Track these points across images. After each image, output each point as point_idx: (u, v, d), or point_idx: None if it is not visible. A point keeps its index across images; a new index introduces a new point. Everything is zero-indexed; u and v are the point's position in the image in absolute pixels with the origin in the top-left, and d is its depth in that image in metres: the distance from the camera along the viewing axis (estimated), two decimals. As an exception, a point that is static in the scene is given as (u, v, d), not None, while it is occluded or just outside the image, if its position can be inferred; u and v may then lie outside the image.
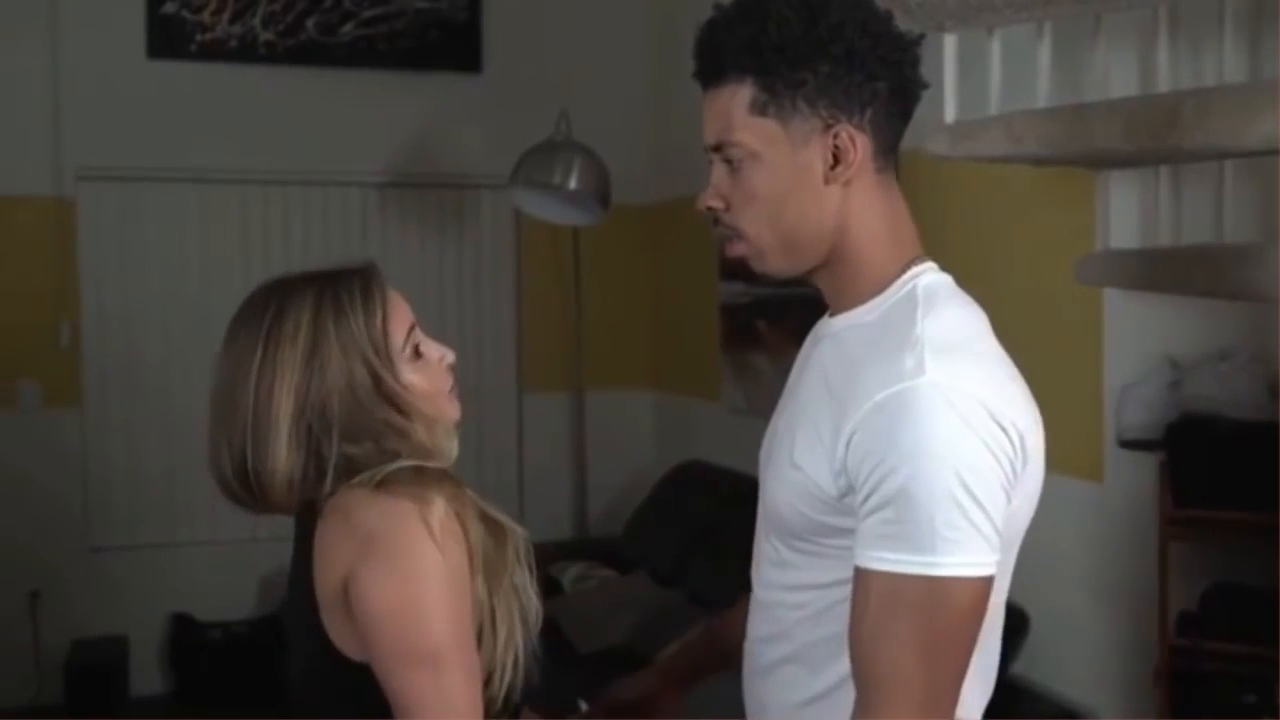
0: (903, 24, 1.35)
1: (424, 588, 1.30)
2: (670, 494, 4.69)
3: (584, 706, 1.73)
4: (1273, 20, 2.46)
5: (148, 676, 4.66)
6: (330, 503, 1.37)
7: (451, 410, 1.47)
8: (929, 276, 1.34)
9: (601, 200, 4.47)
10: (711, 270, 4.69)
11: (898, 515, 1.20)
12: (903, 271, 1.34)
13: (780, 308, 4.25)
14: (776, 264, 1.36)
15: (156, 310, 4.72)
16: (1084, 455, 2.83)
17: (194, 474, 4.76)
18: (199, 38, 4.71)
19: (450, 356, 1.48)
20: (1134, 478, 2.72)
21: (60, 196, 4.59)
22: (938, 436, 1.19)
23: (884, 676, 1.22)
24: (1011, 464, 1.23)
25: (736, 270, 4.44)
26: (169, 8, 4.67)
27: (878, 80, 1.29)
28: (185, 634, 4.66)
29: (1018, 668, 2.87)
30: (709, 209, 1.37)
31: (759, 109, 1.30)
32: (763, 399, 4.38)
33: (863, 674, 1.24)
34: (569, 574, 4.33)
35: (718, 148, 1.34)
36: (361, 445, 1.37)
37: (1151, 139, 2.13)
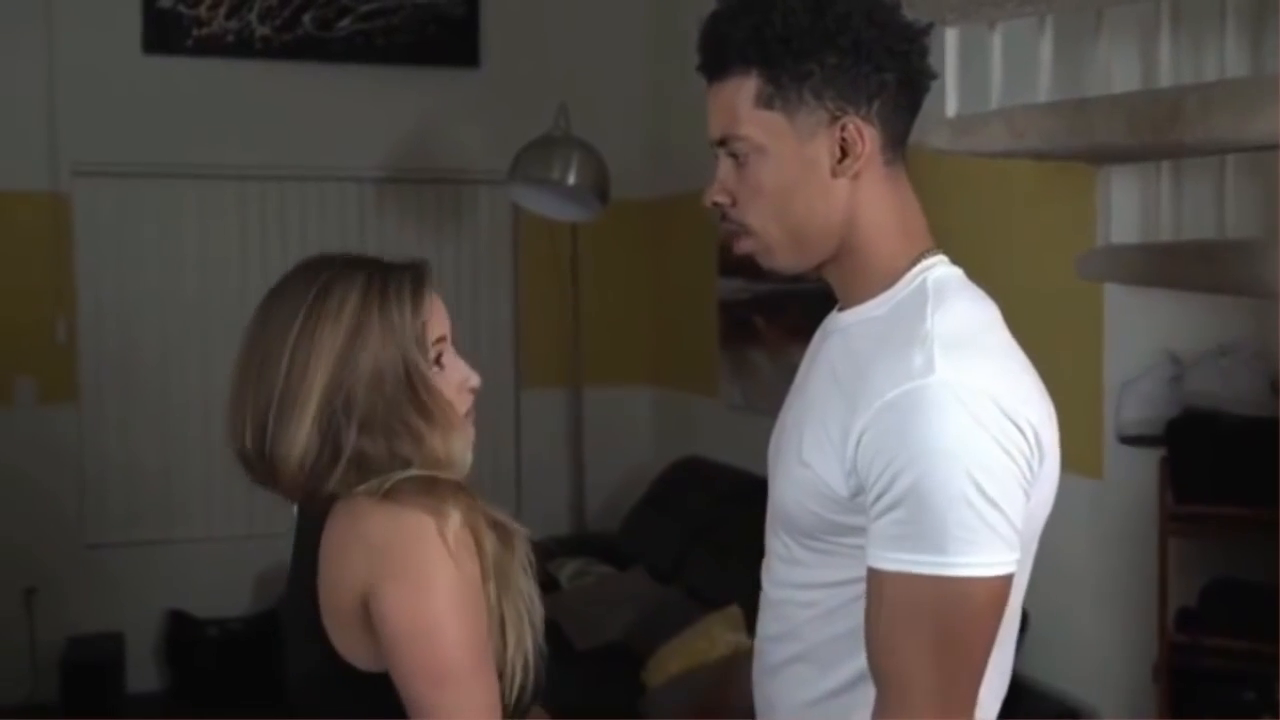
0: (907, 14, 1.33)
1: (445, 605, 1.28)
2: (668, 490, 4.69)
3: None
4: (1274, 15, 2.45)
5: (144, 673, 4.65)
6: (339, 506, 1.35)
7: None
8: (940, 270, 1.33)
9: (600, 196, 4.46)
10: (710, 266, 4.68)
11: (910, 515, 1.18)
12: (913, 265, 1.33)
13: (779, 304, 4.24)
14: (784, 260, 1.35)
15: (153, 306, 4.71)
16: (1084, 451, 2.82)
17: (190, 471, 4.85)
18: (195, 33, 4.70)
19: (474, 380, 1.45)
20: (1134, 474, 2.71)
21: (56, 192, 4.58)
22: (948, 435, 1.17)
23: (900, 678, 1.21)
24: (1028, 460, 1.22)
25: (735, 266, 4.46)
26: (165, 2, 4.65)
27: (885, 71, 1.28)
28: (181, 631, 4.66)
29: (1016, 664, 2.86)
30: (715, 204, 1.35)
31: (765, 102, 1.28)
32: (761, 395, 4.38)
33: (880, 676, 1.23)
34: (566, 570, 4.32)
35: (723, 142, 1.32)
36: (375, 442, 1.35)
37: (1154, 134, 2.13)
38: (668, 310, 5.25)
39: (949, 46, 2.62)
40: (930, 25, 1.34)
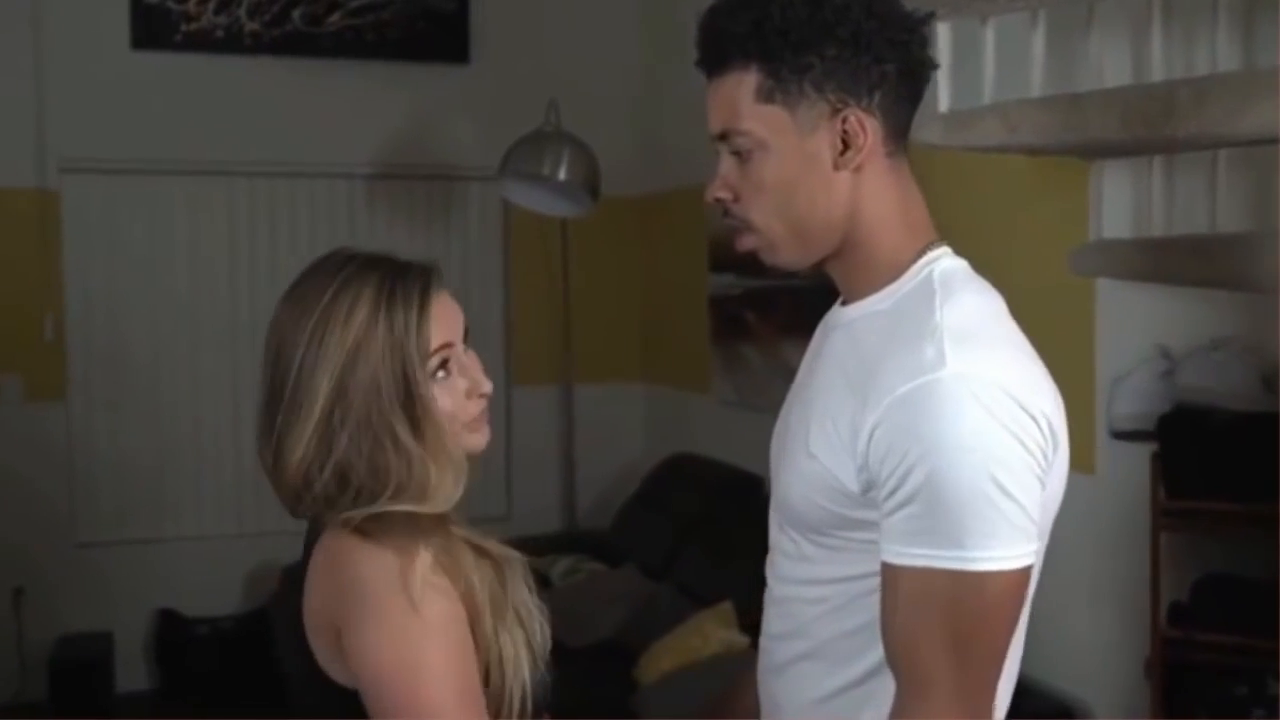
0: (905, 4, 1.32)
1: (403, 648, 1.26)
2: (660, 487, 4.68)
3: None
4: (1265, 8, 2.45)
5: (133, 673, 4.64)
6: (325, 535, 1.34)
7: (468, 440, 1.40)
8: (945, 262, 1.32)
9: (591, 191, 4.45)
10: (701, 262, 4.67)
11: (925, 510, 1.18)
12: (917, 257, 1.32)
13: (770, 299, 4.24)
14: (788, 256, 1.34)
15: (142, 303, 4.69)
16: (1076, 446, 2.77)
17: (180, 469, 4.83)
18: (184, 28, 4.68)
19: (486, 386, 1.42)
20: (1126, 469, 2.71)
21: (43, 188, 4.56)
22: (962, 429, 1.17)
23: (920, 674, 1.20)
24: (1042, 450, 1.21)
25: (726, 262, 4.45)
26: (153, -2, 4.64)
27: (886, 62, 1.27)
28: (171, 630, 4.64)
29: (1009, 660, 2.86)
30: (717, 200, 1.34)
31: (765, 96, 1.27)
32: (753, 391, 4.37)
33: (899, 672, 1.22)
34: (558, 568, 4.32)
35: (723, 137, 1.31)
36: (360, 453, 1.33)
37: (1147, 128, 2.13)
38: (659, 306, 5.24)
39: (942, 41, 2.61)
40: (930, 15, 1.33)
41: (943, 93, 2.63)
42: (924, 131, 2.57)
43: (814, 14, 1.25)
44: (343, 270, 1.37)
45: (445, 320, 1.39)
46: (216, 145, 4.68)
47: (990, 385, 1.18)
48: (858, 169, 1.29)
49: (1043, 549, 1.30)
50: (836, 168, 1.29)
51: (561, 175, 4.37)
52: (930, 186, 1.37)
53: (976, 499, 1.16)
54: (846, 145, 1.28)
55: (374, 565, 1.28)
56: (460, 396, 1.39)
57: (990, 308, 1.30)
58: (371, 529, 1.30)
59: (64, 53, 4.54)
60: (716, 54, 1.31)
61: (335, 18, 4.83)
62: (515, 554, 1.41)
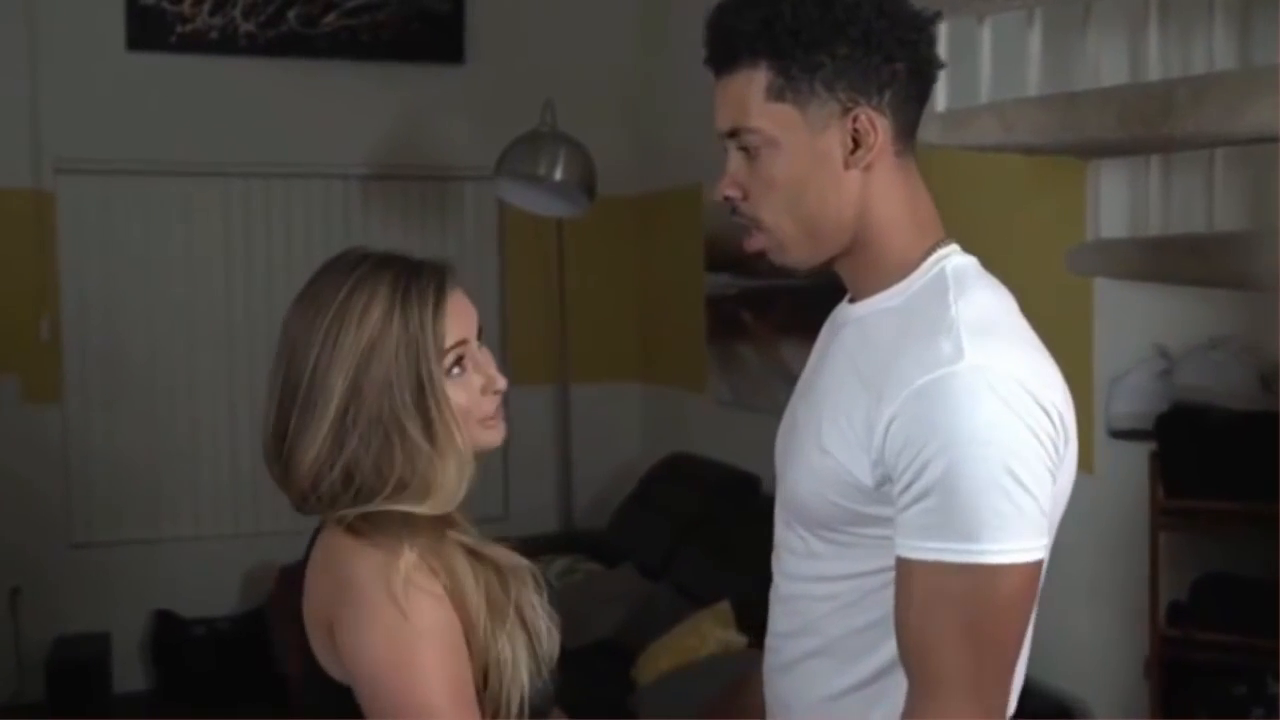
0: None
1: (401, 648, 1.27)
2: (657, 486, 4.68)
3: None
4: (1262, 6, 2.45)
5: (130, 673, 4.63)
6: (324, 531, 1.36)
7: (484, 437, 1.41)
8: (956, 259, 1.32)
9: (586, 191, 4.44)
10: (697, 262, 4.67)
11: (941, 503, 1.18)
12: (927, 255, 1.32)
13: (766, 299, 4.23)
14: (798, 254, 1.34)
15: (138, 304, 4.68)
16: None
17: (177, 470, 4.82)
18: (179, 29, 4.67)
19: (501, 383, 1.43)
20: (1125, 468, 2.71)
21: (39, 189, 4.55)
22: (980, 422, 1.17)
23: (934, 669, 1.20)
24: (1054, 443, 1.21)
25: (722, 262, 4.45)
26: (148, -1, 4.63)
27: (896, 61, 1.27)
28: (168, 630, 4.63)
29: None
30: (726, 198, 1.34)
31: (775, 94, 1.27)
32: (749, 390, 4.37)
33: (912, 668, 1.22)
34: (555, 568, 4.31)
35: (733, 134, 1.31)
36: (368, 451, 1.33)
37: (1145, 127, 2.12)
38: (655, 306, 5.24)
39: (939, 40, 2.61)
40: (938, 14, 1.33)
41: (940, 92, 2.62)
42: (920, 130, 2.56)
43: (825, 13, 1.25)
44: (356, 270, 1.38)
45: (460, 317, 1.40)
46: (212, 146, 4.67)
47: (1006, 378, 1.19)
48: (868, 168, 1.29)
49: (1050, 545, 1.30)
50: (847, 166, 1.29)
51: (557, 175, 4.37)
52: (927, 186, 1.38)
53: (992, 492, 1.16)
54: (857, 144, 1.28)
55: (364, 564, 1.29)
56: (475, 393, 1.40)
57: (1003, 304, 1.31)
58: (363, 528, 1.31)
59: (59, 53, 4.53)
60: (726, 52, 1.31)
61: (330, 18, 4.82)
62: (524, 562, 1.42)
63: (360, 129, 4.85)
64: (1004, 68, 2.60)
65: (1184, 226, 2.63)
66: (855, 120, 1.27)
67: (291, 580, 1.43)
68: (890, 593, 1.25)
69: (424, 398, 1.35)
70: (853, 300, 1.38)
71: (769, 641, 1.46)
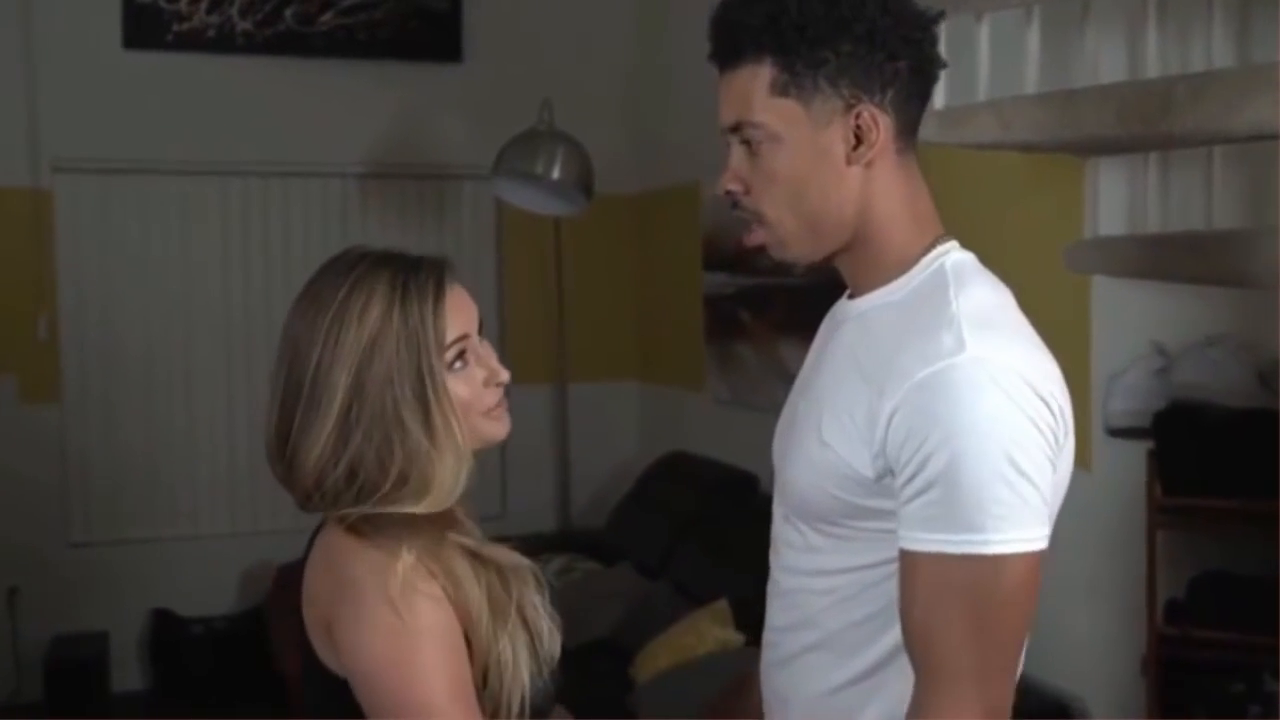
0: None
1: (399, 647, 1.27)
2: (654, 485, 4.68)
3: None
4: (1261, 4, 2.45)
5: (128, 672, 4.63)
6: (324, 530, 1.38)
7: (488, 429, 1.42)
8: (956, 254, 1.33)
9: (584, 190, 4.44)
10: (695, 261, 4.67)
11: (944, 495, 1.19)
12: (926, 251, 1.33)
13: (764, 298, 4.23)
14: (798, 250, 1.34)
15: (136, 303, 4.68)
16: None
17: (174, 469, 4.82)
18: (176, 28, 4.67)
19: (503, 375, 1.43)
20: (1122, 466, 2.71)
21: (36, 188, 4.55)
22: (982, 413, 1.18)
23: (939, 661, 1.20)
24: (1054, 432, 1.22)
25: (720, 261, 4.45)
26: (145, -3, 4.62)
27: (899, 59, 1.28)
28: (166, 629, 4.63)
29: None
30: (728, 193, 1.35)
31: (779, 89, 1.28)
32: (747, 389, 4.37)
33: (918, 660, 1.23)
34: (552, 567, 4.30)
35: (736, 129, 1.32)
36: (371, 447, 1.34)
37: (1143, 124, 2.12)
38: (653, 305, 5.23)
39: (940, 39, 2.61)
40: (941, 13, 1.34)
41: (938, 89, 2.62)
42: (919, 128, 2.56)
43: (830, 10, 1.26)
44: (355, 268, 1.39)
45: (460, 312, 1.41)
46: (209, 145, 4.67)
47: (1007, 370, 1.20)
48: (869, 165, 1.30)
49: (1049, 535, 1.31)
50: (849, 163, 1.30)
51: (555, 174, 4.36)
52: (925, 183, 1.38)
53: (995, 482, 1.17)
54: (859, 141, 1.29)
55: (363, 565, 1.30)
56: (478, 386, 1.41)
57: (1002, 299, 1.32)
58: (364, 528, 1.33)
59: (56, 52, 4.52)
60: (730, 47, 1.31)
61: (327, 17, 4.82)
62: (526, 562, 1.42)
63: (358, 128, 4.85)
64: (1002, 65, 2.60)
65: (1182, 224, 2.64)
66: (858, 117, 1.28)
67: (289, 579, 1.44)
68: (889, 586, 1.26)
69: (424, 391, 1.35)
70: (852, 296, 1.38)
71: (767, 636, 1.47)
